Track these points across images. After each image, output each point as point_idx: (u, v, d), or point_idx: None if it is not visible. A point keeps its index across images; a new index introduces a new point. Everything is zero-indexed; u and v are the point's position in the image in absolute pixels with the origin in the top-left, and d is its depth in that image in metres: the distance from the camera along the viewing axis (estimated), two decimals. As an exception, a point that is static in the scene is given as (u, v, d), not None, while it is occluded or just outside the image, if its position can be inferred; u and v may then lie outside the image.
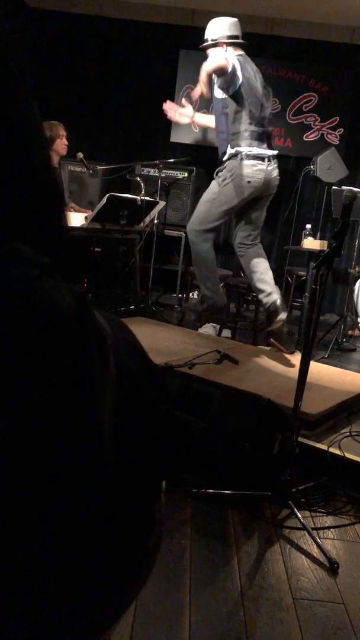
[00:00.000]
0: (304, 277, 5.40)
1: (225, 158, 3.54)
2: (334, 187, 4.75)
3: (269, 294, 3.76)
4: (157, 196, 5.16)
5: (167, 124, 6.41)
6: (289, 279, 5.80)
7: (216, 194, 3.55)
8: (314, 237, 5.85)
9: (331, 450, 2.58)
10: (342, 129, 6.18)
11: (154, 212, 4.81)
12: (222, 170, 3.56)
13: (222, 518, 2.20)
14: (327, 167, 5.07)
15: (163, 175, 5.37)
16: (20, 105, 0.44)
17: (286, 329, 5.53)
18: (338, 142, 6.13)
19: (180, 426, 2.41)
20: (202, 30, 6.14)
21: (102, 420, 0.42)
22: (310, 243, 4.95)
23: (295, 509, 2.20)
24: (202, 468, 2.33)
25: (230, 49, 3.54)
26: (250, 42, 6.21)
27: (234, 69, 3.43)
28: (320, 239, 5.79)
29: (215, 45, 3.55)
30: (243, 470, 2.34)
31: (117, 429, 0.44)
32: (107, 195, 4.24)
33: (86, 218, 4.38)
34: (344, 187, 4.53)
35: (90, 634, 0.45)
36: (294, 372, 2.55)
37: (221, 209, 3.60)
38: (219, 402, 2.49)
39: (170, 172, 5.75)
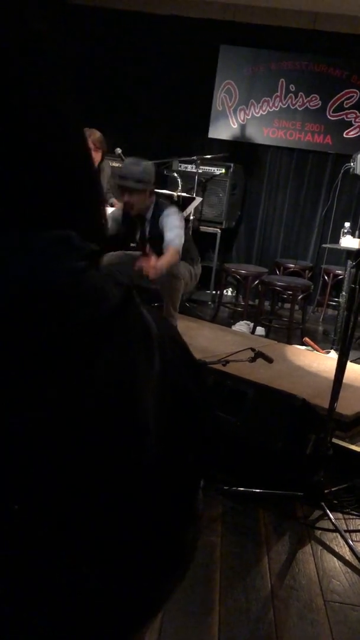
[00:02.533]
0: (341, 276, 5.32)
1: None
2: (374, 185, 4.66)
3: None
4: (193, 192, 5.15)
5: (206, 120, 6.39)
6: (326, 277, 5.72)
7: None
8: (353, 235, 5.74)
9: (366, 452, 2.54)
10: (383, 126, 6.07)
11: (191, 207, 4.80)
12: None
13: (253, 517, 2.19)
14: (368, 164, 4.97)
15: (200, 171, 5.36)
16: (62, 99, 0.44)
17: (322, 328, 5.47)
18: (379, 139, 6.01)
19: (217, 423, 2.41)
20: (243, 25, 6.14)
21: (147, 413, 0.42)
22: (349, 241, 4.85)
23: (327, 510, 2.17)
24: (234, 466, 2.33)
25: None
26: (291, 38, 6.19)
27: None
28: (359, 237, 5.69)
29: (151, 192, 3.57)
30: (275, 470, 2.32)
31: (160, 422, 0.44)
32: (144, 191, 4.24)
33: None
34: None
35: (131, 628, 0.45)
36: (329, 372, 2.52)
37: None
38: (252, 400, 2.48)
39: (208, 168, 5.73)
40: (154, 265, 3.30)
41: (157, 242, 3.53)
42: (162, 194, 4.43)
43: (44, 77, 0.43)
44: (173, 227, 3.51)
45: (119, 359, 0.41)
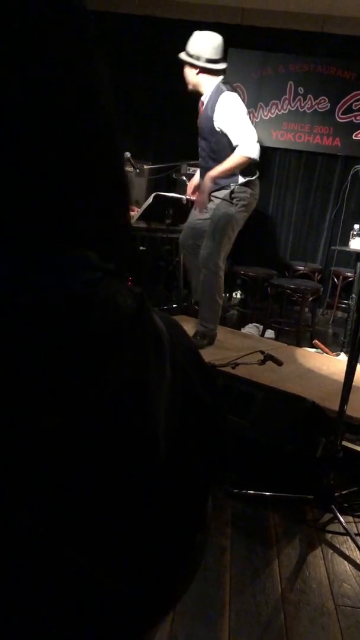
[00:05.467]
0: (351, 278, 5.31)
1: (232, 184, 3.45)
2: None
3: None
4: (202, 195, 5.14)
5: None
6: (336, 279, 5.71)
7: (233, 217, 3.49)
8: (362, 237, 5.73)
9: (376, 455, 2.52)
10: (393, 128, 6.04)
11: (199, 211, 4.80)
12: (233, 193, 3.46)
13: (263, 519, 2.18)
14: (377, 166, 4.95)
15: (209, 174, 5.35)
16: (101, 113, 0.46)
17: (331, 330, 5.45)
18: (388, 141, 5.99)
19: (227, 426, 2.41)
20: (252, 28, 6.14)
21: (158, 418, 0.43)
22: (358, 243, 4.84)
23: (338, 514, 2.16)
24: (243, 469, 2.32)
25: (206, 76, 3.34)
26: (299, 41, 6.18)
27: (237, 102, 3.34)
28: (369, 239, 5.66)
29: (191, 65, 3.33)
30: (285, 473, 2.31)
31: (171, 428, 0.44)
32: (153, 194, 4.26)
33: (132, 217, 4.43)
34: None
35: (140, 630, 0.46)
36: (339, 375, 2.51)
37: (233, 235, 3.55)
38: (261, 402, 2.47)
39: (216, 171, 5.73)
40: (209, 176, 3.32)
41: None
42: (170, 197, 4.45)
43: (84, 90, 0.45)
44: (229, 124, 3.27)
45: (131, 367, 0.42)
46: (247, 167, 3.41)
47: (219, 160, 3.41)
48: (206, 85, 3.38)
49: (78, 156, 0.43)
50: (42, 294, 0.39)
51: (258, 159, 3.38)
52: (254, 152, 3.33)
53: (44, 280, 0.40)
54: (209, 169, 3.45)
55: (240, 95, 3.43)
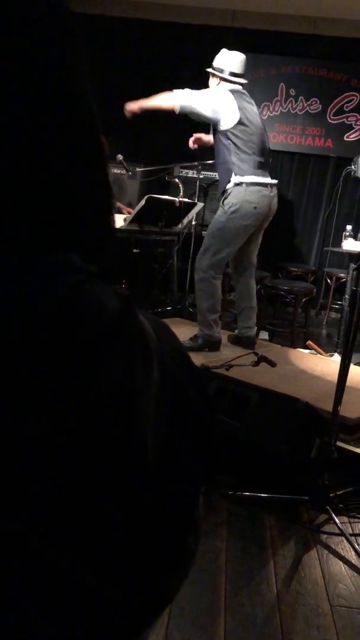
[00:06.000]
0: (344, 279, 5.32)
1: (228, 187, 3.51)
2: (375, 188, 4.66)
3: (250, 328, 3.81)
4: (195, 197, 5.16)
5: (207, 125, 6.40)
6: (329, 280, 5.72)
7: (223, 223, 3.51)
8: (355, 238, 5.75)
9: (371, 455, 2.53)
10: (384, 129, 6.07)
11: (192, 213, 4.81)
12: (227, 199, 3.53)
13: (258, 521, 2.18)
14: (369, 167, 4.97)
15: (201, 176, 5.37)
16: (83, 112, 0.45)
17: (325, 331, 5.47)
18: (380, 142, 6.02)
19: (219, 429, 2.41)
20: (243, 31, 6.15)
21: (145, 424, 0.43)
22: (351, 244, 4.86)
23: (333, 514, 2.17)
24: (238, 470, 2.32)
25: (224, 84, 3.58)
26: (291, 42, 6.20)
27: (225, 103, 3.44)
28: (361, 240, 5.69)
29: (213, 75, 3.63)
30: (280, 474, 2.31)
31: (159, 433, 0.44)
32: (146, 197, 4.26)
33: (125, 220, 4.42)
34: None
35: (130, 633, 0.46)
36: (333, 376, 2.51)
37: (232, 239, 3.55)
38: (256, 404, 2.47)
39: (209, 173, 5.74)
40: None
41: None
42: (163, 199, 4.45)
43: (67, 86, 0.45)
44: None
45: (118, 371, 0.41)
46: (242, 167, 3.45)
47: (218, 158, 3.60)
48: None
49: (60, 157, 0.43)
50: (23, 298, 0.38)
51: (177, 111, 3.48)
52: (179, 101, 3.45)
53: (24, 284, 0.39)
54: (215, 164, 3.72)
55: (244, 101, 3.50)
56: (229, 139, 3.47)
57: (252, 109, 3.58)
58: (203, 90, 3.51)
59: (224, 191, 3.57)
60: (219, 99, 3.45)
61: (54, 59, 0.44)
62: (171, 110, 3.47)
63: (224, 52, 3.67)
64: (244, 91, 3.59)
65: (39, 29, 0.43)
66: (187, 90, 3.48)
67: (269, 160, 3.75)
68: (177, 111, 3.44)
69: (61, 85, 0.44)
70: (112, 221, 0.50)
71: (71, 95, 0.45)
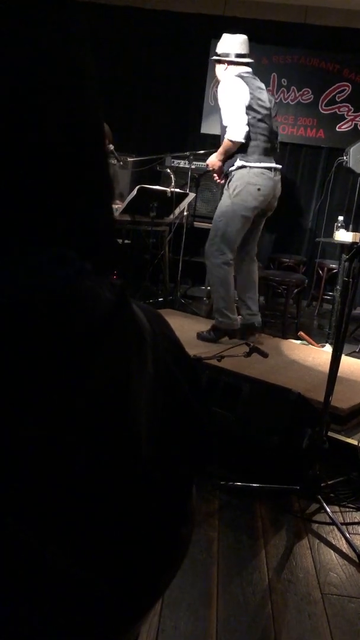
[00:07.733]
0: (335, 270, 5.33)
1: (232, 169, 3.53)
2: (367, 179, 4.67)
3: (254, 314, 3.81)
4: (187, 188, 5.14)
5: (198, 115, 6.38)
6: (320, 271, 5.73)
7: (229, 206, 3.51)
8: (347, 229, 5.75)
9: (361, 445, 2.55)
10: (376, 119, 6.07)
11: (184, 204, 4.80)
12: (230, 181, 3.54)
13: (250, 511, 2.20)
14: (361, 157, 4.97)
15: (193, 166, 5.35)
16: (86, 104, 0.45)
17: (316, 322, 5.48)
18: (372, 133, 6.01)
19: (211, 419, 2.41)
20: (234, 19, 6.11)
21: (139, 416, 0.43)
22: (343, 235, 4.86)
23: (324, 504, 2.18)
24: (230, 461, 2.33)
25: (232, 67, 3.57)
26: (282, 32, 6.17)
27: (242, 95, 3.45)
28: (353, 231, 5.67)
29: (219, 61, 3.62)
30: (271, 464, 2.33)
31: (153, 424, 0.44)
32: (137, 187, 4.24)
33: (116, 210, 4.40)
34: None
35: (124, 623, 0.46)
36: (324, 366, 2.52)
37: (238, 222, 3.54)
38: (247, 395, 2.48)
39: (201, 163, 5.71)
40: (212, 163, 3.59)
41: None
42: (155, 189, 4.43)
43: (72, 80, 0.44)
44: (223, 111, 3.50)
45: (112, 362, 0.41)
46: (245, 148, 3.49)
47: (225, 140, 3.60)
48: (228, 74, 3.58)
49: (58, 147, 0.42)
50: (16, 292, 0.38)
51: (243, 141, 3.47)
52: (238, 136, 3.44)
53: (17, 278, 0.39)
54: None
55: (254, 85, 3.52)
56: None
57: (262, 92, 3.59)
58: (226, 104, 3.49)
59: (228, 174, 3.56)
60: (237, 96, 3.47)
61: (58, 45, 0.43)
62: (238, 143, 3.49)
63: (225, 36, 3.63)
64: (253, 75, 3.61)
65: (43, 15, 0.42)
66: (229, 123, 3.48)
67: (276, 145, 3.73)
68: (244, 139, 3.48)
69: (63, 72, 0.43)
70: (111, 214, 0.49)
71: (71, 87, 0.44)
